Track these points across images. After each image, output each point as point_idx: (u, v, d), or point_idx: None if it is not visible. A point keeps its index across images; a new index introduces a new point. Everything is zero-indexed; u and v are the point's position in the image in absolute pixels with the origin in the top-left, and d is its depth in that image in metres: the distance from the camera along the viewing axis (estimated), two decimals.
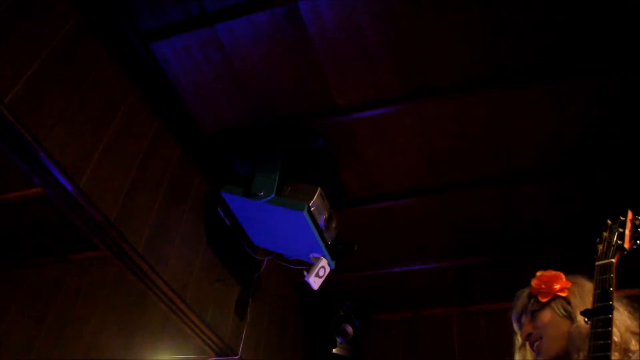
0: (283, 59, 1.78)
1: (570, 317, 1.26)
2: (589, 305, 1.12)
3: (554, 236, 2.37)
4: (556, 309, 1.30)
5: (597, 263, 1.16)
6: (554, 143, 1.97)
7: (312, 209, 1.87)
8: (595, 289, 1.11)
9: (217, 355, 2.14)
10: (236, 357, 2.16)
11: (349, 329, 2.81)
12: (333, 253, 2.02)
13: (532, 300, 1.36)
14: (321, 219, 1.93)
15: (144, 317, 2.56)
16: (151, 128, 1.86)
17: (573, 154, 1.99)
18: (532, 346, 1.34)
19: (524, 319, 1.37)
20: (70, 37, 1.52)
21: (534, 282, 1.38)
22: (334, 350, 2.75)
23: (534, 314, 1.34)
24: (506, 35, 1.64)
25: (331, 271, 2.02)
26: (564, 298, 1.31)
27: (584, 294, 1.29)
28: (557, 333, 1.27)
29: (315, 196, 1.88)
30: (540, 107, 1.85)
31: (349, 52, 1.74)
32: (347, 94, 1.88)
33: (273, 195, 1.90)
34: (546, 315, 1.31)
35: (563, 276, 1.35)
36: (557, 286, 1.32)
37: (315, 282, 1.95)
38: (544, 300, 1.32)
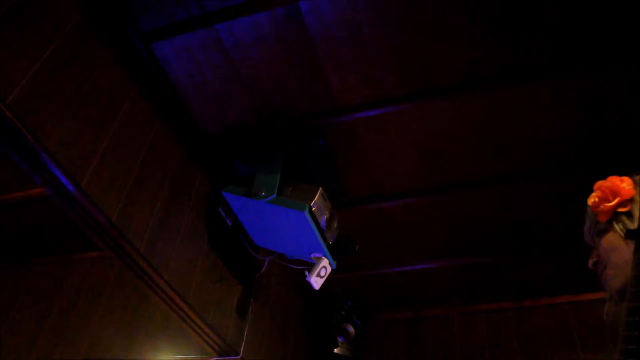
0: (284, 59, 1.79)
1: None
2: None
3: (554, 236, 2.37)
4: (619, 229, 1.00)
5: None
6: (555, 143, 1.97)
7: (314, 209, 1.87)
8: None
9: (219, 355, 2.14)
10: (238, 357, 2.16)
11: (351, 328, 2.82)
12: (334, 253, 2.02)
13: (596, 218, 1.07)
14: (322, 219, 1.93)
15: (145, 317, 2.57)
16: (152, 128, 1.86)
17: (573, 153, 2.00)
18: (601, 277, 1.07)
19: (595, 241, 1.10)
20: (71, 38, 1.52)
21: (590, 199, 1.07)
22: (336, 350, 2.76)
23: (599, 237, 1.06)
24: (507, 35, 1.64)
25: (332, 271, 2.02)
26: (625, 213, 1.00)
27: None
28: (621, 260, 0.99)
29: (317, 196, 1.88)
30: (541, 107, 1.85)
31: (350, 52, 1.74)
32: (348, 94, 1.88)
33: (274, 195, 1.90)
34: (609, 239, 1.03)
35: (627, 183, 1.01)
36: (616, 201, 1.00)
37: (316, 282, 1.95)
38: (604, 220, 1.03)
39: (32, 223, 2.84)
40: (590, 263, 1.09)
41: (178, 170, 1.96)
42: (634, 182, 1.02)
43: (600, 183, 1.06)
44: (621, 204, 1.00)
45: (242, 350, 2.18)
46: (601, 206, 1.02)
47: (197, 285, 1.95)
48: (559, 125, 1.90)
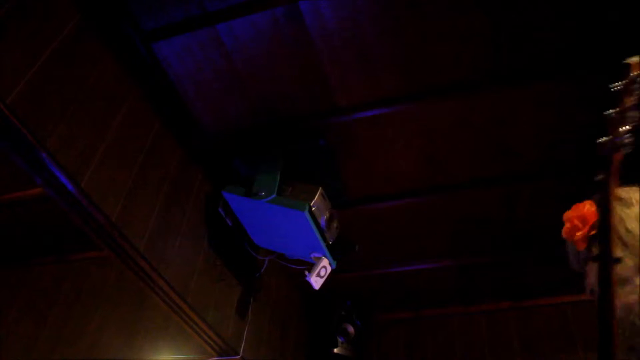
0: (284, 59, 1.79)
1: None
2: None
3: (554, 236, 2.36)
4: (596, 252, 1.02)
5: None
6: (555, 143, 1.97)
7: (313, 208, 1.87)
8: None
9: (219, 355, 2.14)
10: (237, 356, 2.16)
11: (350, 328, 2.82)
12: (334, 253, 2.02)
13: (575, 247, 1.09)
14: (322, 219, 1.93)
15: (145, 317, 2.57)
16: (152, 128, 1.86)
17: (574, 154, 1.99)
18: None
19: (584, 268, 1.11)
20: (71, 38, 1.53)
21: (563, 230, 1.12)
22: (335, 350, 2.76)
23: (587, 264, 1.09)
24: (507, 36, 1.64)
25: (332, 271, 2.02)
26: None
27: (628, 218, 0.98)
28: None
29: (317, 196, 1.88)
30: (541, 107, 1.85)
31: (349, 52, 1.74)
32: (348, 93, 1.88)
33: (274, 195, 1.90)
34: (593, 266, 1.04)
35: (589, 205, 1.05)
36: (587, 227, 1.05)
37: (316, 281, 1.95)
38: (583, 247, 1.06)
39: (32, 223, 2.85)
40: (588, 291, 1.10)
41: (178, 170, 1.96)
42: (594, 200, 1.04)
43: (568, 214, 1.10)
44: (592, 227, 1.03)
45: (241, 350, 2.18)
46: (576, 235, 1.06)
47: (197, 285, 1.95)
48: (559, 125, 1.90)
